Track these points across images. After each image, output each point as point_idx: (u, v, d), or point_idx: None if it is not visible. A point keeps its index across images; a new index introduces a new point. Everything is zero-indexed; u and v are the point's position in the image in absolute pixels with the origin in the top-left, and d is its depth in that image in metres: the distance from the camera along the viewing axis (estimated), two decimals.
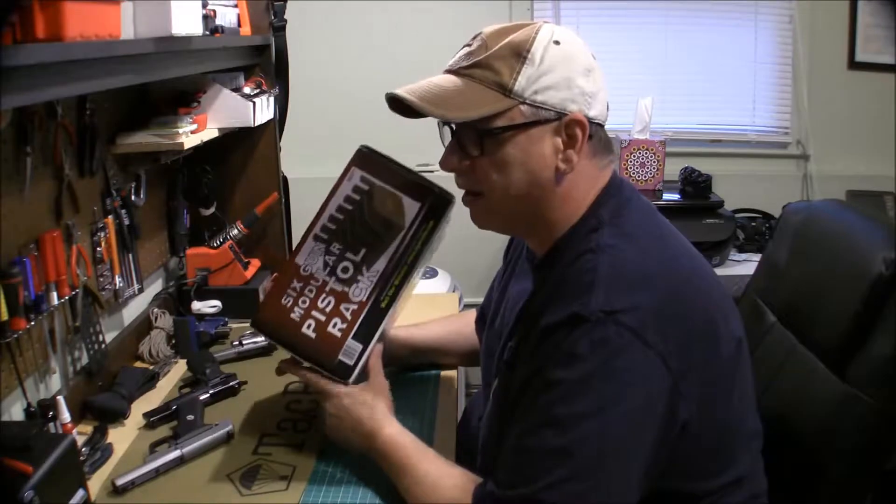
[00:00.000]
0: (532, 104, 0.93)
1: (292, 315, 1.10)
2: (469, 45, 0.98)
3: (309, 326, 1.10)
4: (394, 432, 1.07)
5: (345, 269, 1.11)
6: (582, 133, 0.94)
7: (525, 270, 1.11)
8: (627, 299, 0.86)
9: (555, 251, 1.00)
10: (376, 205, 1.11)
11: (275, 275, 1.14)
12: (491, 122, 0.94)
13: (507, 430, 0.93)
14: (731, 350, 0.94)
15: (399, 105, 0.98)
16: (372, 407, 1.09)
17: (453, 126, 0.98)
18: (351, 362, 1.09)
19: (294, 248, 1.14)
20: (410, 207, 1.11)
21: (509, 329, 1.05)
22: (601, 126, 0.98)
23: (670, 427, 0.87)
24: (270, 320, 1.12)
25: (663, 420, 0.86)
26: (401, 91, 0.96)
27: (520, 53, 0.93)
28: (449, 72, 0.98)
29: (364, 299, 1.10)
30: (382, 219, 1.11)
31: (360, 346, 1.09)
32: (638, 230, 0.96)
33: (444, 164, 1.00)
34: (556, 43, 0.94)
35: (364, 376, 1.12)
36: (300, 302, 1.11)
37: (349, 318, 1.09)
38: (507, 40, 0.94)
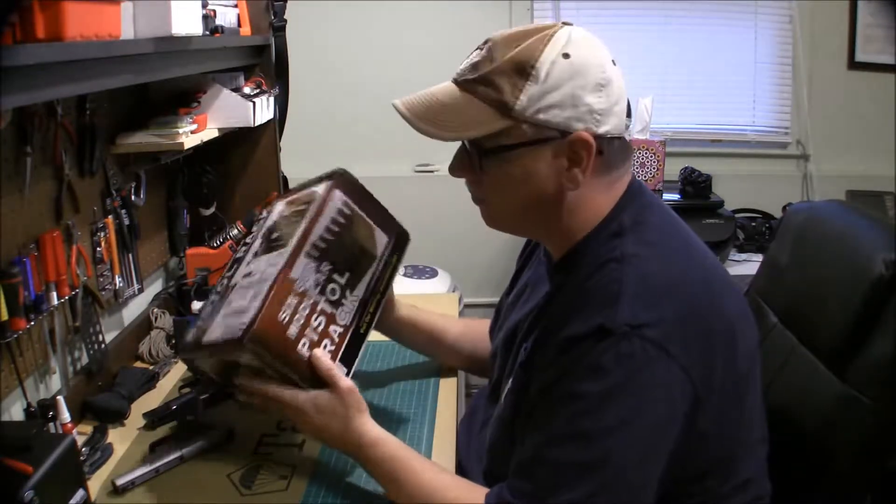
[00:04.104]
0: (534, 123, 0.90)
1: (289, 332, 1.02)
2: (480, 50, 0.95)
3: (304, 346, 1.03)
4: (373, 442, 1.02)
5: (333, 291, 1.07)
6: (587, 153, 0.91)
7: (542, 272, 1.10)
8: (653, 312, 0.85)
9: (573, 255, 0.98)
10: (356, 231, 1.12)
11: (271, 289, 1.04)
12: (490, 141, 0.92)
13: (524, 439, 0.92)
14: (748, 358, 0.94)
15: None
16: (342, 416, 1.03)
17: None
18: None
19: (285, 262, 1.06)
20: (381, 239, 1.13)
21: (524, 330, 1.04)
22: (617, 138, 0.95)
23: (689, 436, 0.87)
24: (270, 334, 1.01)
25: (683, 429, 0.86)
26: (399, 103, 0.95)
27: (524, 70, 0.89)
28: (455, 81, 0.96)
29: (348, 323, 1.08)
30: (360, 246, 1.11)
31: (345, 371, 1.05)
32: (661, 237, 0.95)
33: (452, 171, 0.99)
34: (566, 56, 0.90)
35: (322, 383, 1.04)
36: (296, 320, 1.03)
37: (337, 340, 1.06)
38: (513, 53, 0.90)
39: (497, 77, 0.90)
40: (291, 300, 1.03)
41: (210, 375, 1.15)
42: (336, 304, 1.08)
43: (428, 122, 0.93)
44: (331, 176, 1.17)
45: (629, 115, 0.97)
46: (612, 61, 0.94)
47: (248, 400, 1.10)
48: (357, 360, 1.07)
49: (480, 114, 0.91)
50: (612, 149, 0.95)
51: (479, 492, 0.95)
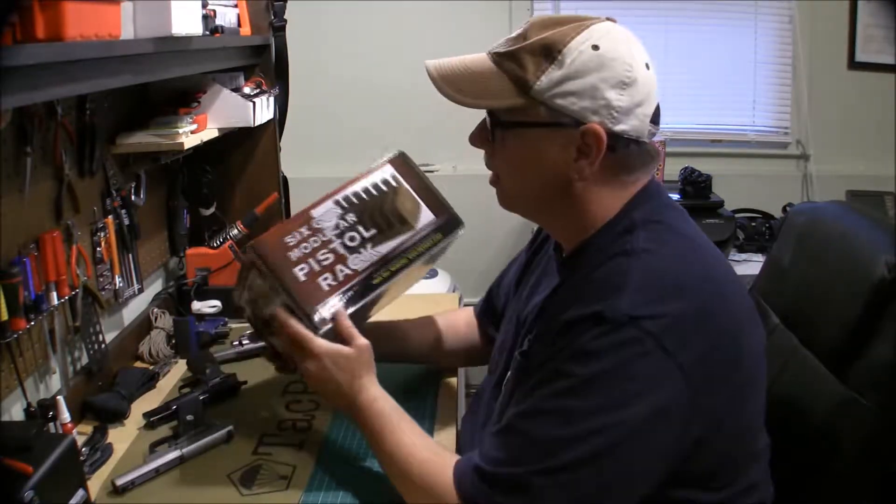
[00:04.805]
0: (550, 107, 0.92)
1: (290, 254, 1.12)
2: (519, 28, 0.97)
3: (302, 269, 1.11)
4: (370, 399, 1.06)
5: (352, 238, 1.16)
6: (597, 147, 0.91)
7: (551, 268, 1.10)
8: (655, 307, 0.85)
9: (582, 250, 0.99)
10: (398, 201, 1.21)
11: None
12: (507, 115, 0.95)
13: (505, 411, 0.93)
14: (752, 364, 0.93)
15: None
16: (352, 372, 1.06)
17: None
18: (328, 316, 1.09)
19: (310, 204, 1.18)
20: (426, 216, 1.22)
21: (529, 322, 1.05)
22: (636, 141, 0.93)
23: (682, 441, 0.86)
24: (269, 248, 1.12)
25: (675, 433, 0.85)
26: (430, 64, 0.98)
27: (550, 52, 0.91)
28: (488, 53, 0.98)
29: (360, 269, 1.14)
30: (399, 214, 1.20)
31: (341, 307, 1.11)
32: (673, 237, 0.95)
33: (471, 139, 1.02)
34: (595, 48, 0.91)
35: (339, 339, 1.09)
36: (302, 246, 1.13)
37: (341, 279, 1.13)
38: (545, 35, 0.92)
39: (524, 55, 0.93)
40: (304, 230, 1.14)
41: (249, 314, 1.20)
42: (352, 250, 1.15)
43: (450, 85, 0.96)
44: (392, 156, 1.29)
45: (657, 121, 0.97)
46: (647, 65, 0.94)
47: (275, 338, 1.15)
48: (360, 304, 1.13)
49: (501, 87, 0.94)
50: (628, 151, 0.94)
51: (452, 458, 0.97)
